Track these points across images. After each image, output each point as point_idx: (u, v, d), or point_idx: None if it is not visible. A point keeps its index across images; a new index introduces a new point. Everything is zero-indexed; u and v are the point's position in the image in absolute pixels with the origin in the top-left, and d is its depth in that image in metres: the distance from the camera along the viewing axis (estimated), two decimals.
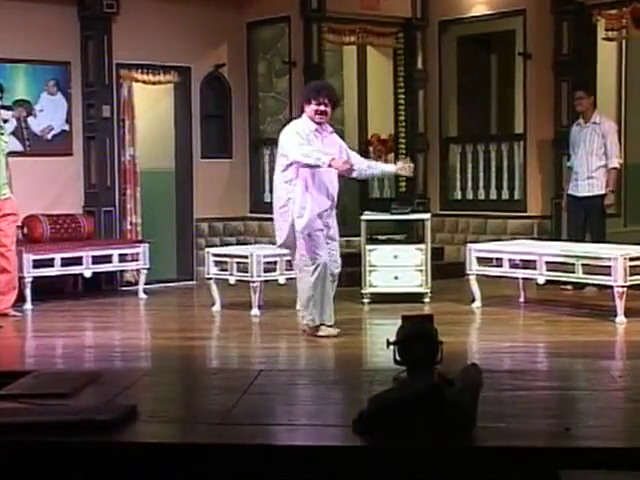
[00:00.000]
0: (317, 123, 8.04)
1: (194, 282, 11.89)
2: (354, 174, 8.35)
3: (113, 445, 3.66)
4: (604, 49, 11.81)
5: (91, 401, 4.49)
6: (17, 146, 10.75)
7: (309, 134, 8.01)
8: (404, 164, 8.52)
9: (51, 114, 11.06)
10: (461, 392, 4.09)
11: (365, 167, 8.39)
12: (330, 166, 7.81)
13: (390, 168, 8.67)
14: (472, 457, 3.74)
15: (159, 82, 11.70)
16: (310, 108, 8.03)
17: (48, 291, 10.38)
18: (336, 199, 8.17)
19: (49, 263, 10.25)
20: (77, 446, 3.63)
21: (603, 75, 11.90)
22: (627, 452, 3.81)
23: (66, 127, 11.16)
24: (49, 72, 11.03)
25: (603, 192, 10.54)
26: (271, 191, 12.29)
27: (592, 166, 10.55)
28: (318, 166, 7.85)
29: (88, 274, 10.57)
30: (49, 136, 11.07)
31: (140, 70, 11.45)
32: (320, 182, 7.98)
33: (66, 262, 10.37)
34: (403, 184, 12.48)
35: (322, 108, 7.97)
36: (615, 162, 10.58)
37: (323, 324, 8.05)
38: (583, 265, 8.85)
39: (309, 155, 7.85)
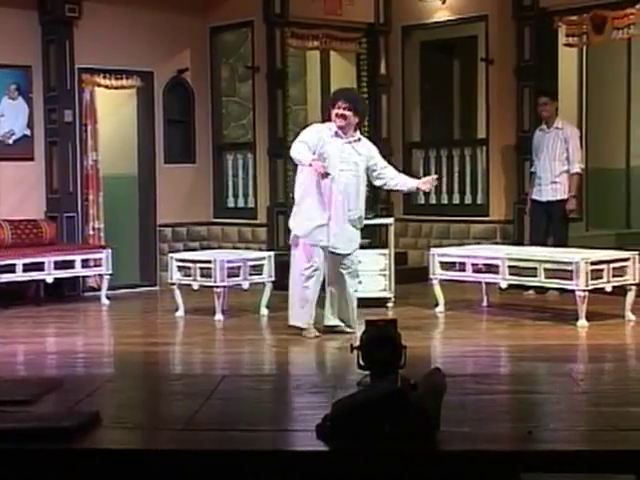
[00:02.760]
0: (338, 127, 8.30)
1: (157, 287, 11.83)
2: (378, 183, 8.65)
3: (76, 452, 3.64)
4: (565, 55, 11.90)
5: (53, 408, 4.46)
6: None
7: (326, 134, 8.29)
8: (428, 180, 8.59)
9: (12, 119, 10.98)
10: (425, 396, 4.11)
11: (393, 184, 8.62)
12: (310, 165, 8.06)
13: (412, 184, 8.69)
14: (436, 461, 3.76)
15: (122, 87, 11.63)
16: (332, 112, 8.36)
17: (9, 297, 10.29)
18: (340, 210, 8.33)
19: (10, 269, 10.16)
20: (39, 453, 3.60)
21: (564, 81, 11.99)
22: (589, 455, 3.84)
23: (27, 132, 11.08)
24: (10, 76, 10.95)
25: (566, 197, 10.62)
26: (235, 196, 12.39)
27: (555, 171, 10.63)
28: (303, 165, 8.20)
29: (50, 280, 10.50)
30: (10, 141, 10.98)
31: (102, 75, 11.38)
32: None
33: (28, 268, 10.29)
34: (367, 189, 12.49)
35: (340, 112, 8.27)
36: (577, 167, 10.67)
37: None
38: (545, 269, 8.91)
39: (298, 151, 8.20)
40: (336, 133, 8.30)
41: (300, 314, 8.39)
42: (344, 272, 8.43)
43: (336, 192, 8.22)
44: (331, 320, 8.53)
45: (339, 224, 8.27)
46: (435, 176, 8.92)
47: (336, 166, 8.18)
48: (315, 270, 8.32)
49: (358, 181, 8.35)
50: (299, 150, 8.19)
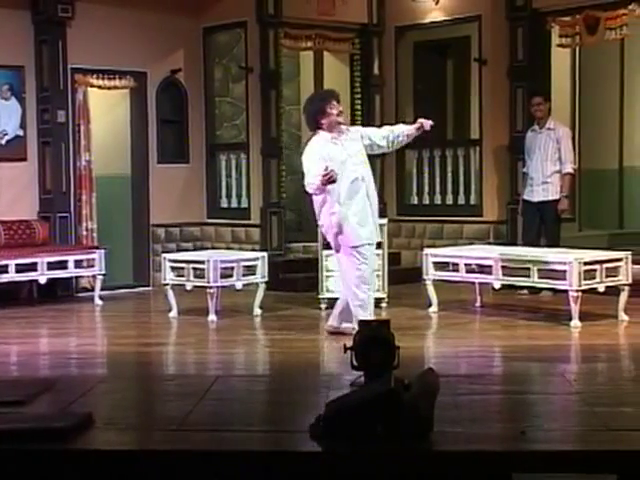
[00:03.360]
0: (338, 125, 8.30)
1: (150, 288, 11.82)
2: (385, 150, 8.68)
3: (69, 453, 3.63)
4: (558, 55, 11.91)
5: (46, 408, 4.46)
6: None
7: (326, 147, 8.24)
8: (422, 122, 8.49)
9: (5, 119, 10.96)
10: (418, 396, 4.11)
11: (392, 138, 8.50)
12: (323, 184, 7.99)
13: (410, 131, 8.63)
14: (429, 461, 3.76)
15: (115, 87, 11.63)
16: (328, 116, 8.29)
17: (2, 298, 10.27)
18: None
19: (3, 269, 10.14)
20: (32, 454, 3.60)
21: (557, 81, 12.01)
22: (581, 455, 3.84)
23: (20, 132, 11.06)
24: (3, 77, 10.92)
25: (558, 197, 10.64)
26: (228, 196, 12.39)
27: (547, 171, 10.64)
28: (322, 189, 8.09)
29: (43, 280, 10.48)
30: (3, 141, 10.96)
31: (95, 75, 11.37)
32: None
33: (21, 268, 10.28)
34: None
35: (340, 109, 8.33)
36: (569, 167, 10.68)
37: None
38: (539, 270, 8.92)
39: (310, 185, 8.13)
40: (332, 138, 8.29)
41: (365, 316, 8.29)
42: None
43: (363, 187, 8.24)
44: (335, 321, 8.47)
45: (375, 216, 8.33)
46: (424, 121, 8.56)
47: (348, 167, 8.18)
48: (370, 272, 8.26)
49: (368, 166, 8.41)
50: (311, 184, 8.10)
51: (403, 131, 8.55)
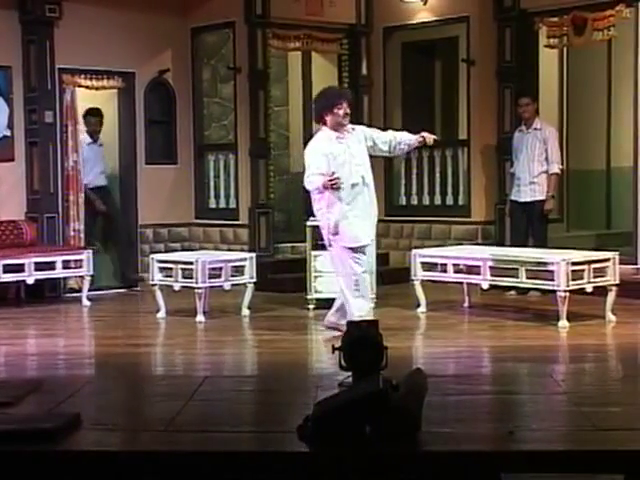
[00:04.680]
0: (342, 126, 8.27)
1: (138, 289, 11.80)
2: (384, 148, 8.54)
3: (57, 454, 3.63)
4: (546, 56, 11.94)
5: (34, 409, 4.45)
6: None
7: (330, 145, 8.22)
8: (425, 135, 8.56)
9: None
10: (406, 397, 4.12)
11: (394, 144, 8.52)
12: (325, 187, 8.00)
13: (412, 141, 8.65)
14: (417, 462, 3.76)
15: (103, 87, 11.61)
16: (334, 114, 8.26)
17: None
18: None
19: None
20: (20, 455, 3.59)
21: (545, 82, 12.04)
22: (569, 455, 3.85)
23: (8, 132, 11.03)
24: None
25: (545, 197, 10.66)
26: (216, 196, 12.38)
27: (534, 171, 10.66)
28: (322, 190, 8.09)
29: (31, 281, 10.46)
30: None
31: (83, 75, 11.35)
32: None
33: (8, 269, 10.25)
34: None
35: (348, 111, 8.27)
36: (556, 168, 10.70)
37: None
38: (527, 270, 8.93)
39: (310, 181, 8.14)
40: (337, 137, 8.26)
41: (362, 304, 8.25)
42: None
43: (365, 190, 8.23)
44: (334, 316, 8.45)
45: (370, 218, 8.32)
46: (427, 135, 8.65)
47: (351, 168, 8.16)
48: (364, 272, 8.23)
49: (369, 168, 8.38)
50: (312, 181, 8.11)
51: (405, 140, 8.58)
